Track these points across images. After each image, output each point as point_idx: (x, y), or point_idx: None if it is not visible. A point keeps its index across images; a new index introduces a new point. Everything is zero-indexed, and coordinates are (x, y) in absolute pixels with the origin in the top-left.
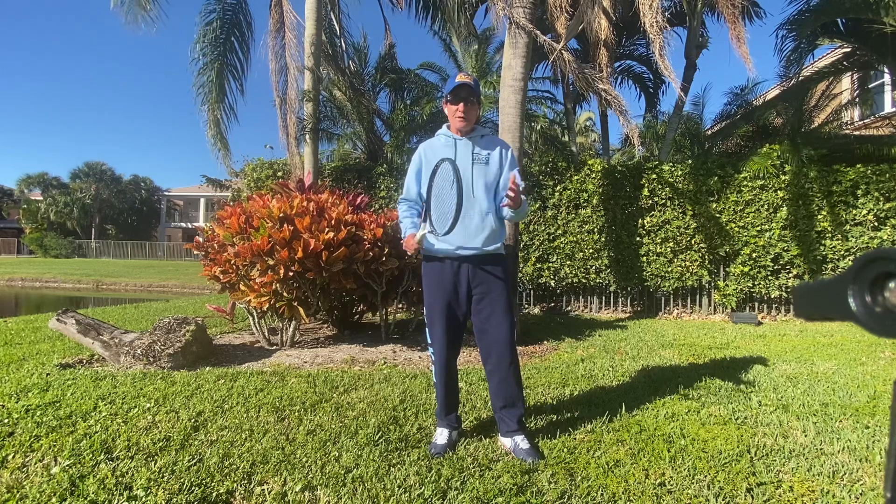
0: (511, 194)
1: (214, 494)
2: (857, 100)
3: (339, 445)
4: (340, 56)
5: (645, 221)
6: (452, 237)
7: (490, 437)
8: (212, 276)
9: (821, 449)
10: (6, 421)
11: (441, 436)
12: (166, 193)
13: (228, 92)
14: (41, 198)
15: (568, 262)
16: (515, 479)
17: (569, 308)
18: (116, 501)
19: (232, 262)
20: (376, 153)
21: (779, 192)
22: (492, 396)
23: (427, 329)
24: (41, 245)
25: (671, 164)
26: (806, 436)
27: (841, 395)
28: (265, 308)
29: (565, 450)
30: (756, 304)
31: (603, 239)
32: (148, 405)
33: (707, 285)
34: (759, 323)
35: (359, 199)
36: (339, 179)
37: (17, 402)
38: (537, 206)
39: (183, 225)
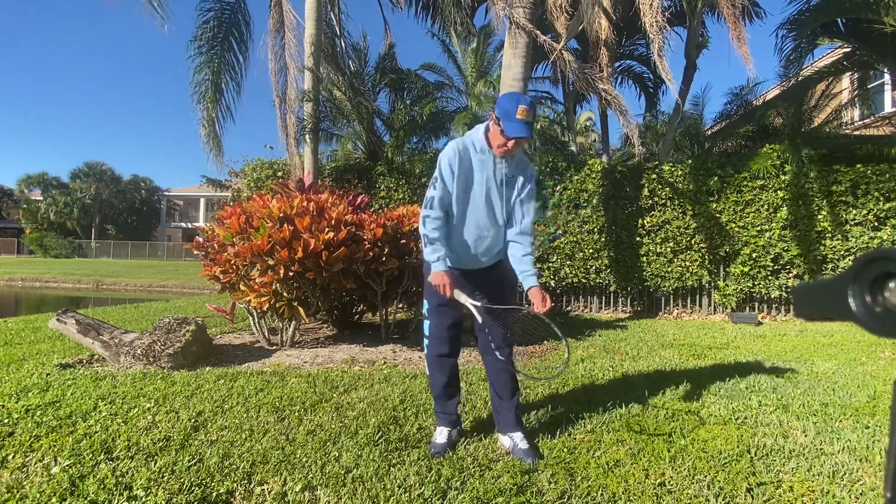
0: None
1: (214, 494)
2: (856, 100)
3: (339, 445)
4: (340, 56)
5: (645, 221)
6: (463, 254)
7: (490, 437)
8: (212, 276)
9: (821, 449)
10: (6, 421)
11: (441, 435)
12: (166, 193)
13: (225, 91)
14: (41, 198)
15: (568, 262)
16: (515, 479)
17: (569, 308)
18: (116, 501)
19: (232, 262)
20: (376, 153)
21: (779, 192)
22: (490, 389)
23: (426, 322)
24: (41, 245)
25: (671, 164)
26: (806, 436)
27: (841, 395)
28: (265, 308)
29: (565, 450)
30: (756, 304)
31: (603, 239)
32: (148, 405)
33: (707, 285)
34: (759, 323)
35: (359, 199)
36: (339, 179)
37: (17, 402)
38: (537, 206)
39: (183, 225)
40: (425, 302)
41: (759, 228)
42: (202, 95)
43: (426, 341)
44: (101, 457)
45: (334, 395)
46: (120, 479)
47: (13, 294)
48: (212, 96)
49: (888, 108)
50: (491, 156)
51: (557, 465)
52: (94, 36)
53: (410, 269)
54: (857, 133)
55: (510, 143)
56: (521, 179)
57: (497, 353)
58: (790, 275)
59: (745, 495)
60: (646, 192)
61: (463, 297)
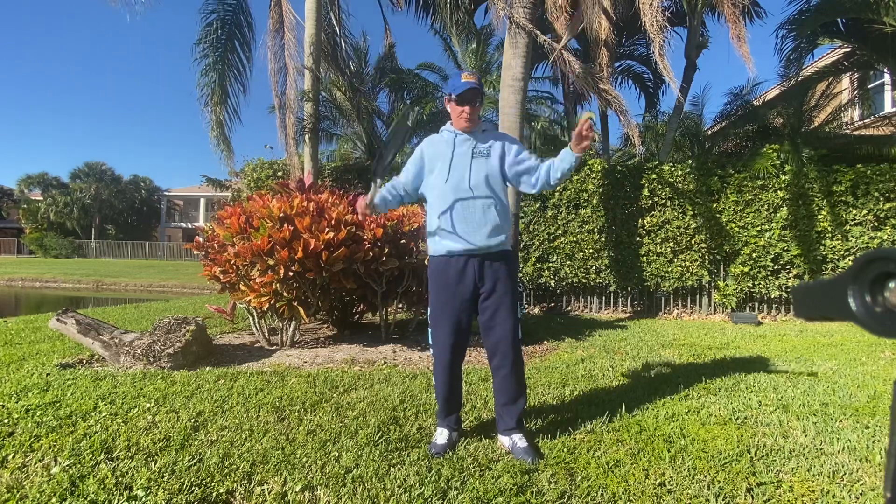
0: (584, 133)
1: (214, 494)
2: (856, 100)
3: (339, 445)
4: (340, 56)
5: (645, 221)
6: (457, 231)
7: (490, 437)
8: (212, 276)
9: (821, 449)
10: (6, 421)
11: (441, 436)
12: (166, 193)
13: (231, 93)
14: (41, 198)
15: (568, 262)
16: (515, 479)
17: (569, 308)
18: (116, 501)
19: (232, 262)
20: (376, 153)
21: (779, 192)
22: (494, 393)
23: (430, 330)
24: (41, 245)
25: (671, 163)
26: (806, 436)
27: (841, 395)
28: (265, 308)
29: (565, 450)
30: (756, 304)
31: (603, 239)
32: (148, 405)
33: (707, 285)
34: (759, 323)
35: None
36: (339, 179)
37: (17, 402)
38: (537, 206)
39: (183, 225)
40: (430, 308)
41: (759, 228)
42: (209, 98)
43: (432, 349)
44: (101, 457)
45: (334, 395)
46: (120, 479)
47: (13, 294)
48: (219, 98)
49: (888, 108)
50: (459, 136)
51: (557, 465)
52: (94, 36)
53: (410, 269)
54: (857, 133)
55: (467, 108)
56: (498, 146)
57: (502, 359)
58: (790, 275)
59: (745, 495)
60: (646, 192)
61: (375, 189)
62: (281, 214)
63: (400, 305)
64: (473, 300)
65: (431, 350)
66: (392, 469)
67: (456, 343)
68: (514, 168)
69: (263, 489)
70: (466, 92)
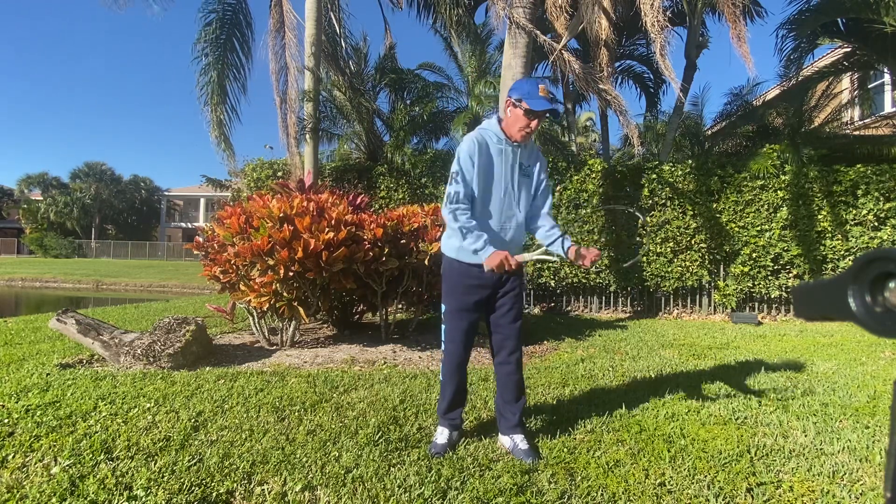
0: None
1: (214, 494)
2: (856, 100)
3: (339, 445)
4: (341, 56)
5: (645, 221)
6: (494, 247)
7: (490, 437)
8: (212, 276)
9: (821, 449)
10: (6, 421)
11: (441, 435)
12: (166, 193)
13: (230, 93)
14: (41, 198)
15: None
16: (515, 479)
17: (569, 308)
18: (116, 501)
19: (232, 262)
20: (376, 153)
21: (779, 192)
22: (498, 390)
23: (443, 326)
24: (41, 245)
25: (671, 164)
26: (806, 436)
27: (841, 395)
28: (265, 308)
29: (565, 450)
30: (756, 304)
31: (603, 239)
32: (148, 405)
33: (707, 285)
34: (759, 323)
35: (359, 199)
36: (339, 179)
37: (17, 402)
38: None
39: (183, 225)
40: (443, 305)
41: (759, 228)
42: (208, 98)
43: (444, 346)
44: (101, 457)
45: (334, 395)
46: (120, 479)
47: (13, 294)
48: (218, 99)
49: (888, 108)
50: (509, 146)
51: (557, 465)
52: (93, 38)
53: (410, 269)
54: (857, 133)
55: (533, 123)
56: (537, 167)
57: (508, 355)
58: (790, 275)
59: (745, 495)
60: (646, 192)
61: (527, 256)
62: (281, 214)
63: (400, 305)
64: (489, 299)
65: (443, 346)
66: (392, 469)
67: (470, 340)
68: (535, 190)
69: (263, 489)
70: (546, 111)
